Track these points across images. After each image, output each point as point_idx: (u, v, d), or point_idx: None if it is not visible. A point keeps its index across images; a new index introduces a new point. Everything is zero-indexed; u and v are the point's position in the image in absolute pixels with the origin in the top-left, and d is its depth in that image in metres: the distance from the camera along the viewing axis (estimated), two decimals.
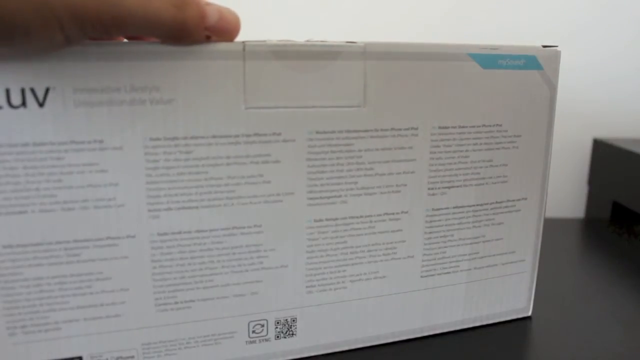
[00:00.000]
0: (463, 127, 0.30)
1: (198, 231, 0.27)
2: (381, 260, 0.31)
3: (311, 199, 0.28)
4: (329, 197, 0.29)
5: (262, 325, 0.30)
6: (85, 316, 0.27)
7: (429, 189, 0.31)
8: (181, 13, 0.23)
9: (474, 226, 0.32)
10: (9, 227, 0.25)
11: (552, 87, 0.32)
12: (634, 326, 0.36)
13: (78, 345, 0.27)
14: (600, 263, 0.46)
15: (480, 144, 0.31)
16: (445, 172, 0.31)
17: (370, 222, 0.30)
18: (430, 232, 0.31)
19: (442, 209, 0.31)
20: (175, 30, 0.24)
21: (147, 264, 0.27)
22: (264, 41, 0.26)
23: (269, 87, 0.26)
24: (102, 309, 0.27)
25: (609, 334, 0.35)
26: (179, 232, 0.27)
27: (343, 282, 0.30)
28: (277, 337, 0.30)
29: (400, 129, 0.29)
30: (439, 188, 0.31)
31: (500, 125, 0.31)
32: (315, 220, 0.29)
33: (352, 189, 0.29)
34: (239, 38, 0.26)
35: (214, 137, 0.26)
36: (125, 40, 0.28)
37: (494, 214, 0.33)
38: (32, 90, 0.24)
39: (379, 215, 0.30)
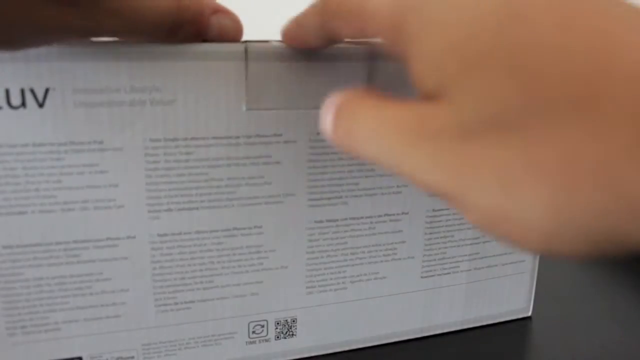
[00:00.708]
0: None
1: (198, 232, 0.27)
2: (381, 261, 0.31)
3: (312, 200, 0.28)
4: (329, 199, 0.29)
5: (262, 326, 0.30)
6: (85, 317, 0.27)
7: None
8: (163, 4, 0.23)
9: (474, 226, 0.32)
10: (9, 228, 0.25)
11: None
12: (634, 326, 0.36)
13: (78, 346, 0.27)
14: (600, 263, 0.46)
15: None
16: None
17: (371, 223, 0.30)
18: (431, 233, 0.31)
19: (442, 209, 0.31)
20: (174, 18, 0.23)
21: (147, 264, 0.27)
22: (268, 41, 0.26)
23: (271, 89, 0.26)
24: (102, 309, 0.27)
25: (609, 334, 0.34)
26: (179, 233, 0.27)
27: (343, 282, 0.30)
28: (277, 337, 0.30)
29: None
30: None
31: None
32: (316, 222, 0.29)
33: (353, 190, 0.29)
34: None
35: (214, 138, 0.26)
36: None
37: None
38: (32, 91, 0.23)
39: (380, 216, 0.30)
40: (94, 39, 0.24)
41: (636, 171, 0.13)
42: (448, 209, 0.31)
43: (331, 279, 0.30)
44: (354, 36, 0.21)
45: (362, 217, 0.30)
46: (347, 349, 0.32)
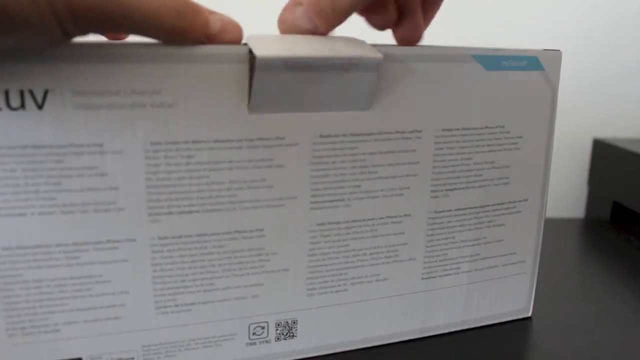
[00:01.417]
0: (466, 129, 0.30)
1: (199, 235, 0.27)
2: (383, 263, 0.31)
3: (314, 202, 0.28)
4: (332, 201, 0.28)
5: (263, 328, 0.30)
6: (85, 318, 0.27)
7: (431, 191, 0.30)
8: (182, 20, 0.23)
9: (476, 228, 0.32)
10: (9, 229, 0.24)
11: (553, 88, 0.32)
12: (634, 326, 0.36)
13: (77, 347, 0.27)
14: (600, 263, 0.46)
15: (483, 145, 0.31)
16: (448, 174, 0.30)
17: (373, 225, 0.30)
18: (432, 235, 0.31)
19: (444, 211, 0.31)
20: (174, 36, 0.23)
21: (148, 267, 0.27)
22: (268, 37, 0.26)
23: (276, 95, 0.26)
24: (102, 311, 0.27)
25: (609, 333, 0.35)
26: (180, 236, 0.27)
27: (344, 284, 0.30)
28: (278, 338, 0.30)
29: (404, 132, 0.29)
30: (441, 190, 0.31)
31: (503, 127, 0.31)
32: (318, 224, 0.29)
33: (355, 193, 0.29)
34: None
35: (216, 141, 0.26)
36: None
37: (495, 215, 0.32)
38: (31, 92, 0.23)
39: (382, 218, 0.30)
40: (95, 41, 0.24)
41: None
42: (449, 211, 0.31)
43: (332, 280, 0.30)
44: None
45: (364, 220, 0.29)
46: (347, 349, 0.32)
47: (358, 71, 0.26)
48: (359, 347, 0.32)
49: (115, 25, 0.21)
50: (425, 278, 0.32)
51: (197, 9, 0.24)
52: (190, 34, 0.24)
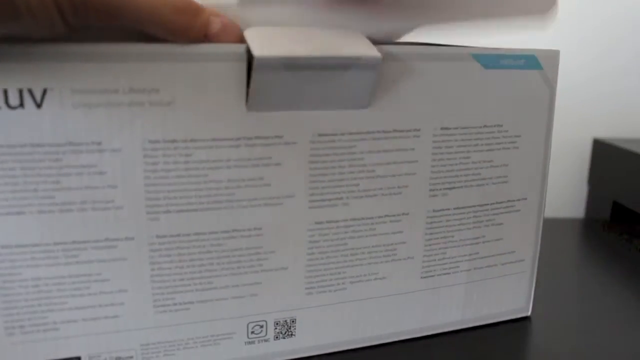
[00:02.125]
0: (465, 127, 0.30)
1: (197, 234, 0.27)
2: (381, 262, 0.31)
3: (312, 201, 0.28)
4: (330, 200, 0.28)
5: (261, 326, 0.30)
6: (84, 317, 0.27)
7: (430, 190, 0.30)
8: (181, 17, 0.23)
9: (475, 227, 0.32)
10: (7, 228, 0.24)
11: (552, 87, 0.32)
12: (634, 326, 0.36)
13: (76, 346, 0.27)
14: (600, 263, 0.46)
15: (482, 144, 0.31)
16: (446, 173, 0.30)
17: (371, 224, 0.30)
18: (431, 234, 0.31)
19: (443, 210, 0.31)
20: (172, 33, 0.24)
21: (146, 265, 0.27)
22: (267, 30, 0.26)
23: (274, 93, 0.26)
24: (101, 309, 0.27)
25: (609, 333, 0.35)
26: (178, 235, 0.27)
27: (343, 283, 0.30)
28: (276, 337, 0.30)
29: (402, 131, 0.29)
30: (440, 189, 0.31)
31: (501, 126, 0.31)
32: (316, 223, 0.29)
33: (353, 192, 0.29)
34: None
35: (214, 140, 0.26)
36: None
37: (494, 214, 0.32)
38: (30, 91, 0.23)
39: (380, 217, 0.30)
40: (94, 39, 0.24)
41: None
42: (447, 209, 0.31)
43: (331, 279, 0.30)
44: None
45: (362, 218, 0.29)
46: (346, 348, 0.32)
47: (357, 70, 0.26)
48: (358, 347, 0.32)
49: (113, 17, 0.22)
50: (424, 277, 0.32)
51: (198, 8, 0.24)
52: (189, 31, 0.24)
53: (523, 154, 0.32)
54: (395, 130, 0.29)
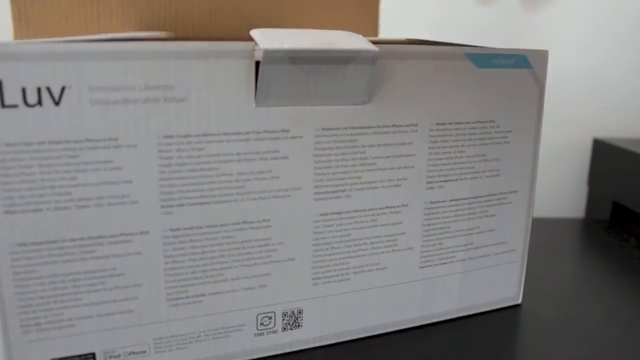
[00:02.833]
0: (459, 123, 0.32)
1: (209, 226, 0.28)
2: (383, 252, 0.32)
3: (317, 193, 0.29)
4: (334, 192, 0.30)
5: (270, 318, 0.30)
6: (99, 312, 0.27)
7: (427, 182, 0.32)
8: None
9: (469, 218, 0.34)
10: (24, 225, 0.25)
11: (541, 85, 0.34)
12: (634, 326, 0.36)
13: (91, 342, 0.27)
14: (599, 263, 0.46)
15: (475, 139, 0.33)
16: (442, 166, 0.32)
17: (373, 215, 0.31)
18: (429, 224, 0.33)
19: (439, 201, 0.33)
20: None
21: (160, 259, 0.27)
22: (275, 32, 0.27)
23: (281, 88, 0.27)
24: (115, 305, 0.27)
25: (608, 333, 0.35)
26: (191, 228, 0.27)
27: (347, 273, 0.31)
28: (284, 328, 0.31)
29: (401, 125, 0.30)
30: (436, 182, 0.32)
31: (493, 122, 0.33)
32: (321, 214, 0.30)
33: (355, 184, 0.30)
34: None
35: (225, 134, 0.27)
36: None
37: (487, 206, 0.34)
38: (48, 89, 0.24)
39: (381, 208, 0.31)
40: (108, 38, 0.25)
41: None
42: (444, 201, 0.33)
43: (335, 270, 0.31)
44: None
45: (364, 210, 0.31)
46: (349, 338, 0.33)
47: (356, 64, 0.27)
48: (360, 337, 0.33)
49: None
50: (423, 267, 0.33)
51: None
52: None
53: (514, 149, 0.34)
54: (394, 125, 0.30)
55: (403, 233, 0.32)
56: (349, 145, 0.29)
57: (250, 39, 0.27)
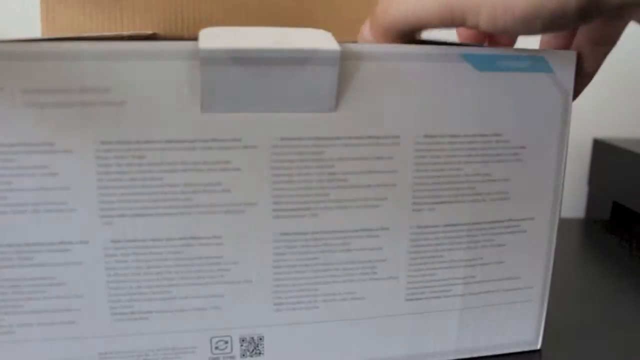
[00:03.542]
0: (454, 136, 0.27)
1: (154, 240, 0.26)
2: (359, 280, 0.28)
3: (277, 210, 0.26)
4: (296, 210, 0.27)
5: (226, 342, 0.28)
6: (40, 321, 0.26)
7: (413, 204, 0.28)
8: None
9: (469, 247, 0.29)
10: None
11: (565, 93, 0.28)
12: (634, 326, 0.35)
13: (33, 351, 0.26)
14: (600, 263, 0.45)
15: (476, 155, 0.28)
16: (433, 185, 0.28)
17: (345, 238, 0.27)
18: (416, 252, 0.28)
19: (429, 226, 0.28)
20: None
21: (101, 271, 0.26)
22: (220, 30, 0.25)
23: (227, 92, 0.24)
24: (57, 315, 0.26)
25: (608, 334, 0.34)
26: (134, 240, 0.26)
27: (315, 301, 0.28)
28: (243, 355, 0.28)
29: (378, 137, 0.26)
30: (426, 203, 0.28)
31: (500, 135, 0.28)
32: (282, 234, 0.27)
33: (322, 202, 0.27)
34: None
35: (168, 141, 0.25)
36: None
37: (493, 234, 0.29)
38: None
39: (355, 231, 0.27)
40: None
41: None
42: (435, 226, 0.28)
43: (302, 296, 0.28)
44: None
45: (334, 231, 0.27)
46: None
47: (314, 66, 0.24)
48: None
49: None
50: (410, 299, 0.29)
51: None
52: None
53: (529, 168, 0.29)
54: (369, 137, 0.26)
55: (383, 260, 0.28)
56: (313, 158, 0.26)
57: None
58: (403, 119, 0.26)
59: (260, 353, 0.28)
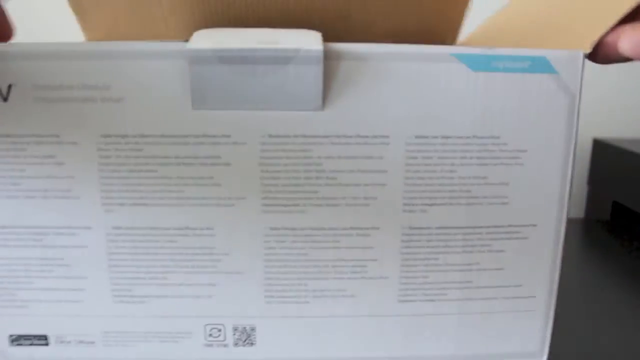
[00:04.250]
0: (447, 137, 0.27)
1: (151, 228, 0.27)
2: (349, 278, 0.28)
3: (266, 205, 0.27)
4: (285, 205, 0.27)
5: (220, 330, 0.29)
6: (49, 298, 0.28)
7: (404, 204, 0.28)
8: None
9: (465, 251, 0.28)
10: None
11: (571, 95, 0.27)
12: (634, 326, 0.35)
13: (43, 324, 0.29)
14: (600, 263, 0.45)
15: (471, 157, 0.27)
16: (425, 187, 0.27)
17: (335, 235, 0.28)
18: (408, 253, 0.28)
19: (422, 228, 0.28)
20: None
21: (104, 255, 0.28)
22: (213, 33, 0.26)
23: (215, 90, 0.25)
24: (64, 293, 0.28)
25: (608, 334, 0.34)
26: (132, 228, 0.27)
27: (305, 296, 0.29)
28: (236, 344, 0.29)
29: (367, 137, 0.27)
30: (417, 204, 0.28)
31: (497, 137, 0.27)
32: (272, 228, 0.28)
33: (310, 198, 0.27)
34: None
35: (162, 136, 0.26)
36: None
37: (490, 239, 0.28)
38: None
39: (345, 229, 0.28)
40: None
41: None
42: (429, 228, 0.28)
43: (292, 290, 0.28)
44: None
45: (323, 228, 0.28)
46: None
47: (297, 65, 0.25)
48: None
49: None
50: (403, 301, 0.29)
51: None
52: None
53: (530, 173, 0.28)
54: (358, 136, 0.27)
55: (374, 259, 0.28)
56: (301, 156, 0.27)
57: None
58: (392, 119, 0.26)
59: (252, 343, 0.29)
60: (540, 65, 0.27)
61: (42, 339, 0.29)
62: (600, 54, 0.26)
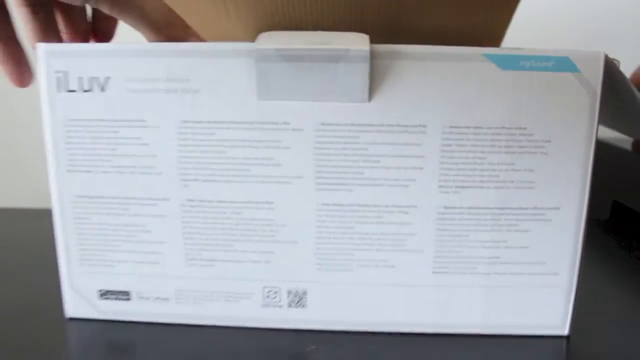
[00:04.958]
0: (478, 127, 0.30)
1: (219, 201, 0.32)
2: (390, 250, 0.32)
3: (319, 184, 0.31)
4: (335, 184, 0.31)
5: (276, 292, 0.33)
6: (133, 259, 0.33)
7: (440, 186, 0.31)
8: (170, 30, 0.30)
9: (494, 229, 0.32)
10: (80, 182, 0.32)
11: (593, 92, 0.30)
12: (633, 326, 0.35)
13: (126, 282, 0.34)
14: (600, 263, 0.45)
15: (500, 146, 0.31)
16: (457, 171, 0.31)
17: (378, 211, 0.32)
18: (443, 230, 0.32)
19: (455, 207, 0.32)
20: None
21: (179, 223, 0.33)
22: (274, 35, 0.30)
23: (278, 84, 0.30)
24: (145, 255, 0.33)
25: (608, 334, 0.34)
26: (203, 201, 0.32)
27: (351, 265, 0.33)
28: (290, 305, 0.34)
29: (407, 126, 0.30)
30: (451, 187, 0.31)
31: (525, 129, 0.31)
32: (323, 204, 0.32)
33: (357, 179, 0.31)
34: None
35: (232, 122, 0.31)
36: None
37: (517, 220, 0.32)
38: (97, 79, 0.31)
39: (387, 206, 0.32)
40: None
41: None
42: (461, 208, 0.32)
43: (340, 259, 0.33)
44: None
45: (367, 205, 0.32)
46: (354, 329, 0.34)
47: (347, 63, 0.29)
48: (366, 330, 0.34)
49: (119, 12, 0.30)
50: (437, 272, 0.33)
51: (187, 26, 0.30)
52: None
53: (554, 161, 0.31)
54: (399, 125, 0.30)
55: (412, 234, 0.32)
56: (350, 142, 0.31)
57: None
58: (430, 111, 0.30)
59: (304, 306, 0.34)
60: (564, 65, 0.30)
61: (125, 295, 0.34)
62: None
